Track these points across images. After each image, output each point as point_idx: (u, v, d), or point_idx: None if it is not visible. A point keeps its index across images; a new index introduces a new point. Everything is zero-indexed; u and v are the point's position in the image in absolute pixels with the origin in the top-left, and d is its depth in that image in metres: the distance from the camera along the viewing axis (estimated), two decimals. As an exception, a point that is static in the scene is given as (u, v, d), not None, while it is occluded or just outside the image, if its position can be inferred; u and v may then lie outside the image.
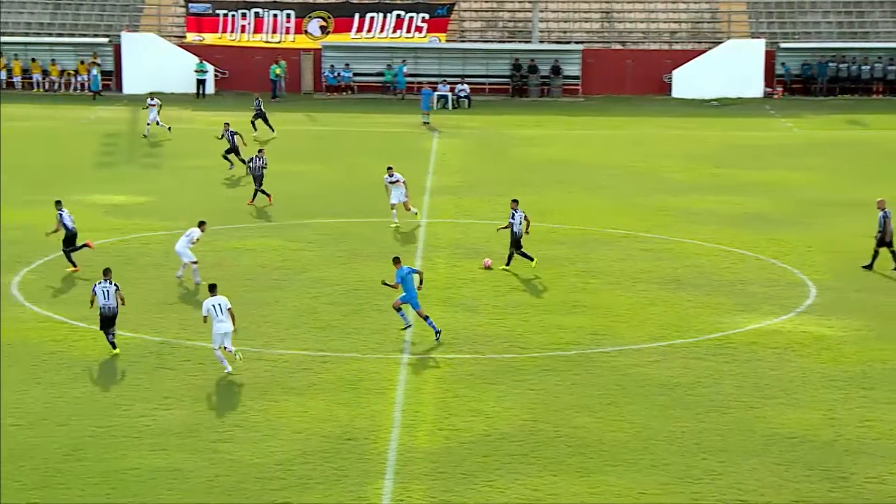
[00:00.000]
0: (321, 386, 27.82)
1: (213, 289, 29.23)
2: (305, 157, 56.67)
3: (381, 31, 78.87)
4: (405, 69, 76.43)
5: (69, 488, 22.55)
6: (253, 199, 46.05)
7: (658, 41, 79.88)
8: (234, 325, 28.61)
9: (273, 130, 62.15)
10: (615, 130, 66.01)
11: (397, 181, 42.51)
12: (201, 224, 35.99)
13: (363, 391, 27.53)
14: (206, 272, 35.86)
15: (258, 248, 39.84)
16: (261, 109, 62.42)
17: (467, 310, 33.59)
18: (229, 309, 28.50)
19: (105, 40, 78.46)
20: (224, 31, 78.85)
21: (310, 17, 78.91)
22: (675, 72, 77.07)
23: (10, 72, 77.63)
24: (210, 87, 76.66)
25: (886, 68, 77.13)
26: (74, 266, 36.48)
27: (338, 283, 36.01)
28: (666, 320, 33.01)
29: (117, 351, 29.68)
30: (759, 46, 77.03)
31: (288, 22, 78.89)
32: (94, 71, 75.79)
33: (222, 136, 53.50)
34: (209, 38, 78.54)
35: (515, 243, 37.39)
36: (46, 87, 77.36)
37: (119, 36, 78.01)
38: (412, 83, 76.33)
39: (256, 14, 78.79)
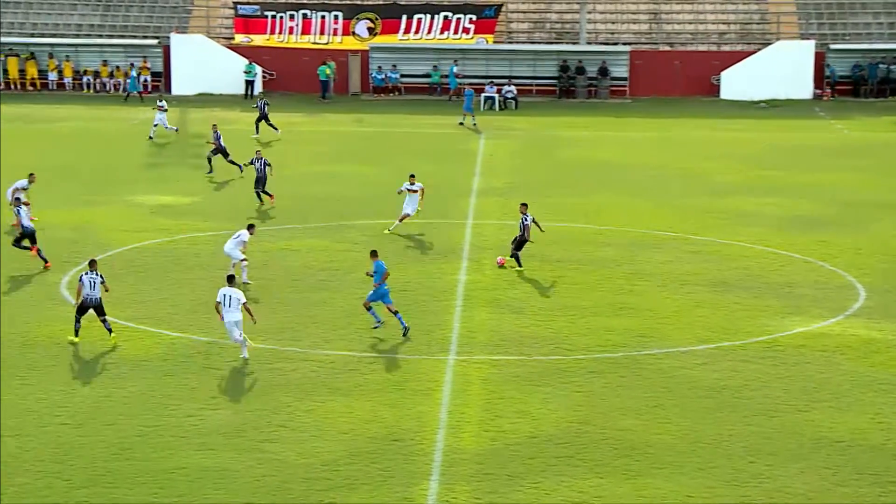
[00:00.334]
0: (367, 387, 27.85)
1: (230, 279, 29.94)
2: (352, 158, 56.79)
3: (429, 32, 78.93)
4: (456, 69, 76.39)
5: (117, 487, 22.68)
6: (261, 201, 46.04)
7: (706, 42, 79.52)
8: (253, 319, 29.26)
9: (277, 130, 61.89)
10: (663, 132, 65.76)
11: (416, 190, 41.97)
12: (250, 227, 36.06)
13: (409, 392, 27.55)
14: (253, 272, 36.01)
15: (305, 248, 39.95)
16: (264, 110, 62.08)
17: (513, 311, 33.55)
18: (244, 303, 29.15)
19: (154, 42, 78.95)
20: (272, 32, 79.14)
21: (357, 18, 79.08)
22: (723, 73, 76.71)
23: (60, 73, 78.22)
24: (258, 89, 76.95)
25: (938, 70, 76.57)
26: (46, 262, 36.85)
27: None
28: (713, 323, 32.85)
29: (114, 336, 30.41)
30: (808, 48, 76.55)
31: (336, 23, 79.10)
32: (134, 73, 76.23)
33: (211, 139, 52.88)
34: (257, 40, 78.86)
35: (518, 245, 37.26)
36: (97, 88, 77.89)
37: (168, 37, 78.47)
38: (459, 84, 76.27)
39: (304, 15, 79.03)
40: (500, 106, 73.53)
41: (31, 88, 77.71)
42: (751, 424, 25.91)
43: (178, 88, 77.16)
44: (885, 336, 31.70)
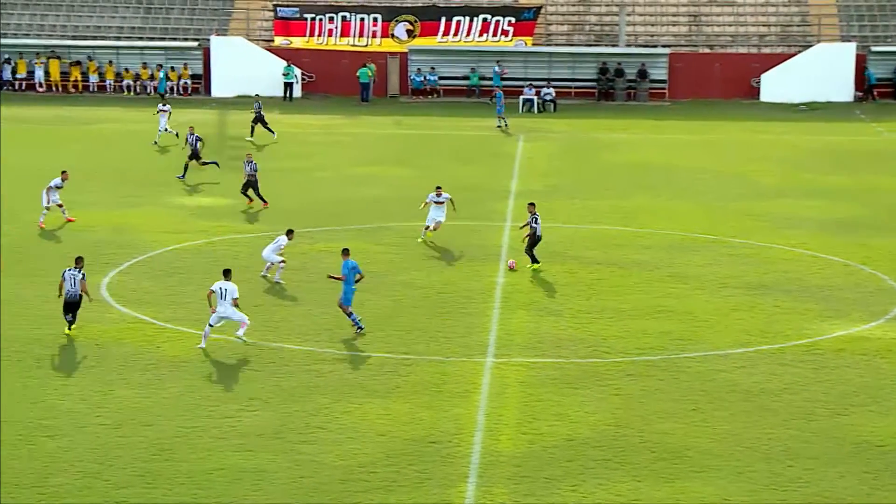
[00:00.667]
0: (405, 389, 27.88)
1: (226, 273, 30.72)
2: (391, 161, 56.85)
3: (468, 34, 78.93)
4: (499, 69, 76.30)
5: (156, 487, 22.78)
6: (251, 199, 46.05)
7: (746, 45, 79.18)
8: (237, 313, 30.17)
9: (273, 133, 61.65)
10: (702, 135, 65.53)
11: (443, 202, 40.83)
12: (289, 232, 36.12)
13: (447, 394, 27.55)
14: (291, 274, 36.11)
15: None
16: (260, 113, 61.86)
17: (551, 314, 33.51)
18: (235, 299, 30.06)
19: (194, 44, 79.30)
20: (311, 34, 79.34)
21: (396, 20, 79.18)
22: (763, 76, 76.36)
23: (101, 75, 78.68)
24: (297, 91, 77.19)
25: (980, 72, 75.96)
26: None
27: (422, 286, 36.06)
28: (752, 326, 32.71)
29: (72, 332, 30.95)
30: (849, 50, 76.08)
31: (375, 26, 79.21)
32: (163, 74, 76.62)
33: (186, 141, 52.54)
34: (297, 42, 79.07)
35: (532, 244, 37.27)
36: (137, 90, 78.30)
37: (208, 40, 78.79)
38: (488, 86, 76.21)
39: (343, 18, 79.19)
40: (538, 108, 73.45)
41: (73, 90, 78.19)
42: (790, 428, 25.78)
43: (217, 90, 77.47)
44: (926, 340, 31.48)
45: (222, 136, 64.18)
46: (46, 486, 22.73)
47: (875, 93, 76.11)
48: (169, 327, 31.89)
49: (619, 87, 77.31)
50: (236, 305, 30.15)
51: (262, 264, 36.61)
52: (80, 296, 31.15)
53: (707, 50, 79.07)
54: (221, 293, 30.21)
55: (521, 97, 73.73)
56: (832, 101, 75.21)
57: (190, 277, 36.60)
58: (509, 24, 78.54)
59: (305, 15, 79.19)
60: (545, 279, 36.90)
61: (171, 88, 77.97)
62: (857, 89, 76.23)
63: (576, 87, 77.80)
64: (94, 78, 78.68)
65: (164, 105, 61.13)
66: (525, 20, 78.68)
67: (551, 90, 74.57)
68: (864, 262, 39.11)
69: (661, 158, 58.05)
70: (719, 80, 76.73)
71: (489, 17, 78.69)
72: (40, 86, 78.49)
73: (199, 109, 72.06)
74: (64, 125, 65.26)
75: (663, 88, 77.29)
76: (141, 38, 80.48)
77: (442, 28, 78.89)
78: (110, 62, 78.46)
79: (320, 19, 79.22)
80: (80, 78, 78.61)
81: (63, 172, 43.48)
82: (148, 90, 78.01)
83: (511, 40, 78.55)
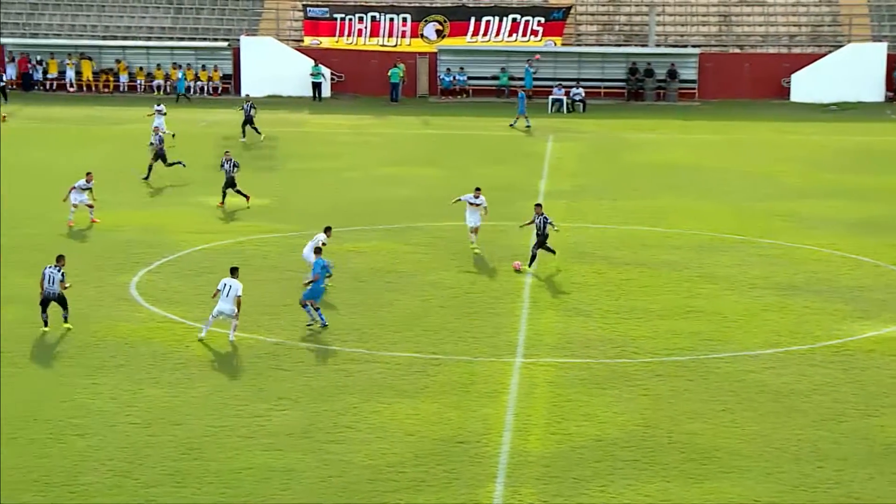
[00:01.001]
0: (433, 389, 27.89)
1: (233, 271, 31.11)
2: (420, 161, 56.90)
3: (497, 34, 78.94)
4: (532, 70, 76.24)
5: (185, 486, 22.85)
6: (222, 202, 46.05)
7: (777, 45, 78.91)
8: (237, 312, 30.44)
9: (260, 135, 61.38)
10: (732, 135, 65.34)
11: (479, 205, 39.68)
12: (327, 230, 36.01)
13: (475, 394, 27.54)
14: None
15: (371, 250, 40.07)
16: (249, 114, 61.55)
17: (580, 314, 33.47)
18: (238, 297, 30.35)
19: (224, 44, 79.54)
20: (341, 34, 79.48)
21: (426, 20, 79.24)
22: (793, 75, 76.10)
23: (132, 75, 79.02)
24: (326, 91, 77.34)
25: None
26: None
27: (450, 286, 36.07)
28: (781, 326, 32.59)
29: (47, 329, 31.25)
30: (880, 50, 75.75)
31: (404, 26, 79.31)
32: (181, 74, 76.83)
33: (151, 143, 52.13)
34: (326, 42, 79.23)
35: (540, 244, 37.30)
36: (167, 90, 78.59)
37: (238, 40, 79.03)
38: (518, 87, 76.18)
39: (373, 18, 79.29)
40: (567, 108, 73.37)
41: (103, 91, 78.52)
42: (819, 429, 25.67)
43: (247, 90, 77.67)
44: (958, 341, 31.30)
45: (252, 136, 64.29)
46: (77, 484, 22.83)
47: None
48: (198, 327, 31.96)
49: (648, 88, 77.18)
50: (238, 303, 30.37)
51: (293, 263, 36.67)
52: (60, 293, 31.39)
53: (737, 50, 78.85)
54: (225, 290, 30.58)
55: (551, 97, 73.69)
56: (863, 101, 74.90)
57: (219, 277, 36.46)
58: (539, 24, 78.50)
59: (335, 15, 79.33)
60: (574, 279, 36.85)
61: (202, 88, 78.22)
62: (888, 89, 75.88)
63: (605, 87, 77.70)
64: (124, 78, 79.00)
65: (158, 105, 60.48)
66: (555, 20, 78.63)
67: (581, 90, 74.49)
68: (895, 262, 38.91)
69: (690, 159, 57.90)
70: (749, 81, 76.53)
71: (518, 17, 78.68)
72: (71, 86, 78.88)
73: (229, 109, 72.25)
74: (94, 125, 65.55)
75: (693, 88, 77.12)
76: (171, 39, 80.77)
77: (471, 28, 78.91)
78: (141, 68, 78.70)
79: (350, 19, 79.34)
80: (111, 78, 78.96)
81: (88, 174, 43.59)
82: (180, 90, 78.23)
83: (540, 40, 78.50)
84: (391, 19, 79.35)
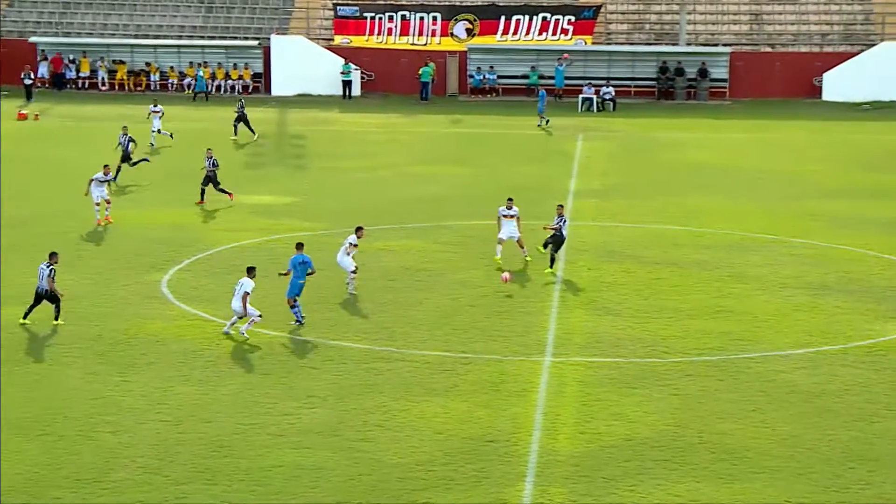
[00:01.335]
0: (463, 387, 27.86)
1: (249, 271, 31.26)
2: (449, 159, 56.89)
3: (527, 33, 78.87)
4: (563, 68, 76.09)
5: (215, 484, 22.90)
6: (202, 199, 45.95)
7: (808, 43, 78.56)
8: (244, 309, 30.70)
9: (254, 134, 60.99)
10: (763, 134, 65.09)
11: (513, 216, 38.15)
12: (358, 230, 35.62)
13: (504, 393, 27.51)
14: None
15: (400, 249, 40.08)
16: (243, 112, 61.29)
17: (610, 313, 33.39)
18: (245, 293, 30.65)
19: (255, 43, 79.72)
20: (371, 33, 79.55)
21: (456, 19, 79.23)
22: (825, 74, 75.74)
23: (163, 74, 79.27)
24: (356, 89, 77.42)
25: None
26: None
27: (480, 285, 36.04)
28: (813, 326, 32.43)
29: (26, 322, 31.59)
30: (914, 48, 75.33)
31: (434, 24, 79.31)
32: (200, 72, 76.91)
33: (118, 142, 51.41)
34: (356, 41, 79.30)
35: (557, 244, 37.13)
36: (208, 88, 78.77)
37: (269, 39, 79.18)
38: (549, 85, 76.06)
39: (403, 17, 79.34)
40: (597, 107, 73.24)
41: (137, 89, 78.80)
42: (851, 430, 25.53)
43: (277, 89, 77.87)
44: None
45: (282, 134, 64.51)
46: (107, 481, 22.91)
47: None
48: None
49: (679, 86, 76.96)
50: (244, 301, 30.62)
51: (322, 262, 36.68)
52: (51, 291, 31.53)
53: (768, 49, 78.53)
54: (236, 288, 30.96)
55: (581, 96, 73.57)
56: (896, 100, 74.51)
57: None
58: (569, 22, 78.38)
59: (365, 14, 79.41)
60: (603, 278, 36.77)
61: (232, 87, 78.40)
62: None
63: (635, 86, 77.52)
64: (155, 77, 79.29)
65: (155, 106, 60.01)
66: (585, 19, 78.50)
67: (611, 89, 74.34)
68: (928, 262, 38.73)
69: (721, 158, 57.71)
70: (781, 79, 76.21)
71: (549, 15, 78.57)
72: (103, 84, 79.22)
73: (259, 108, 72.45)
74: (125, 123, 65.70)
75: (724, 87, 76.86)
76: (202, 38, 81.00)
77: (501, 27, 78.87)
78: (172, 67, 78.92)
79: (380, 18, 79.40)
80: (143, 77, 79.26)
81: (105, 166, 43.62)
82: (209, 88, 78.41)
83: (571, 39, 78.38)
84: (421, 18, 79.36)
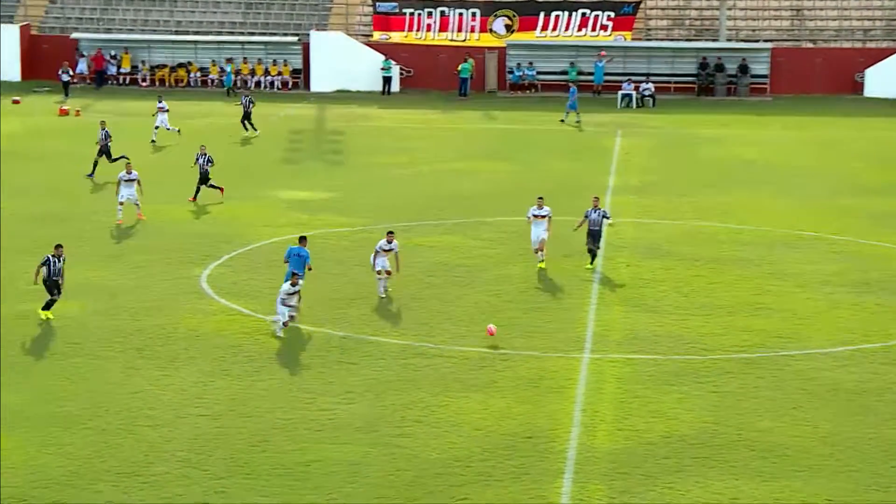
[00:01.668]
0: (501, 383, 27.85)
1: (291, 276, 31.31)
2: (488, 155, 56.84)
3: (567, 29, 78.66)
4: (603, 65, 75.85)
5: (254, 478, 22.99)
6: (195, 197, 45.68)
7: (851, 39, 78.04)
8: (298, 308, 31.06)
9: (256, 131, 60.66)
10: (804, 131, 64.72)
11: (544, 216, 37.14)
12: (388, 234, 34.85)
13: (543, 390, 27.49)
14: (389, 268, 36.20)
15: (439, 245, 40.08)
16: (248, 109, 60.91)
17: (649, 310, 33.29)
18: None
19: (294, 39, 79.88)
20: (410, 29, 79.54)
21: (495, 15, 79.11)
22: (867, 70, 75.19)
23: (203, 70, 79.51)
24: (395, 85, 77.46)
25: None
26: None
27: (520, 281, 36.00)
28: (854, 324, 32.23)
29: (50, 315, 31.77)
30: (958, 43, 74.67)
31: (473, 20, 79.22)
32: (228, 68, 76.96)
33: (98, 139, 50.93)
34: (395, 37, 79.30)
35: (595, 239, 36.96)
36: (238, 84, 79.05)
37: (308, 35, 79.32)
38: (588, 82, 75.86)
39: (442, 13, 79.28)
40: (637, 103, 73.01)
41: (178, 85, 79.09)
42: (893, 428, 25.38)
43: (316, 85, 77.97)
44: None
45: (321, 130, 64.63)
46: (148, 474, 23.04)
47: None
48: (267, 319, 32.12)
49: (719, 83, 76.56)
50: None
51: (361, 257, 36.75)
52: (58, 281, 31.82)
53: (810, 44, 78.03)
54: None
55: (620, 92, 73.33)
56: (940, 96, 73.90)
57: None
58: (608, 18, 78.12)
59: (404, 10, 79.41)
60: (642, 275, 36.66)
61: (272, 83, 78.59)
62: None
63: (675, 83, 77.17)
64: (195, 73, 79.60)
65: (160, 102, 59.57)
66: (624, 15, 78.22)
67: (650, 85, 74.06)
68: (970, 260, 38.42)
69: (761, 154, 57.42)
70: (822, 75, 75.70)
71: (588, 11, 78.35)
72: (143, 80, 79.57)
73: (298, 104, 72.61)
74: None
75: (765, 83, 76.42)
76: (242, 34, 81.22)
77: (540, 23, 78.68)
78: (213, 62, 79.20)
79: (419, 14, 79.39)
80: (183, 73, 79.56)
81: (127, 164, 43.44)
82: (249, 84, 78.63)
83: (610, 35, 78.12)
84: (460, 14, 79.30)
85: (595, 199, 38.03)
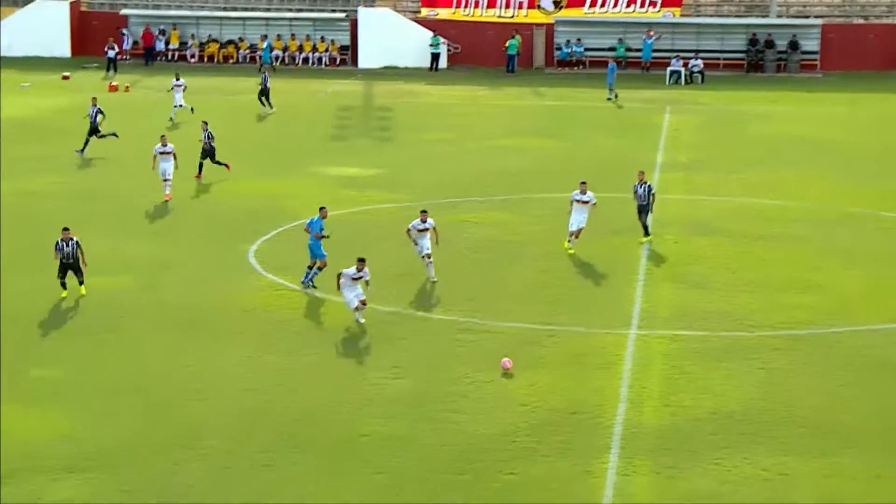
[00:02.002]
0: (548, 360, 27.84)
1: (359, 261, 30.00)
2: (535, 132, 56.71)
3: (615, 5, 78.24)
4: (651, 42, 75.40)
5: (302, 452, 23.10)
6: (199, 173, 45.41)
7: (902, 15, 77.21)
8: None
9: (272, 108, 60.33)
10: (855, 107, 64.16)
11: (587, 202, 36.08)
12: (422, 212, 34.19)
13: (589, 366, 27.45)
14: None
15: (485, 221, 40.05)
16: (266, 85, 60.61)
17: (696, 287, 33.16)
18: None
19: (342, 15, 79.88)
20: (458, 6, 79.34)
21: (543, -9, 78.77)
22: (920, 46, 74.45)
23: (252, 47, 79.66)
24: (443, 62, 77.37)
25: None
26: None
27: (566, 257, 35.92)
28: (904, 302, 31.99)
29: (64, 293, 31.73)
30: None
31: (521, -3, 78.92)
32: (266, 44, 76.93)
33: (88, 114, 50.65)
34: (443, 13, 79.14)
35: (645, 212, 36.93)
36: (285, 61, 79.15)
37: (356, 11, 79.30)
38: (636, 58, 75.47)
39: (490, -11, 79.02)
40: (685, 80, 72.60)
41: (228, 62, 79.26)
42: (943, 406, 25.20)
43: (364, 62, 77.99)
44: None
45: (368, 107, 64.66)
46: (197, 447, 23.20)
47: None
48: (315, 295, 32.25)
49: (769, 59, 75.97)
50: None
51: (402, 235, 36.83)
52: (78, 261, 31.75)
53: (861, 20, 77.28)
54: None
55: (669, 69, 72.91)
56: None
57: (334, 246, 36.89)
58: (657, -6, 77.62)
59: (452, -14, 79.18)
60: (690, 252, 36.51)
61: (319, 59, 78.67)
62: None
63: (724, 59, 76.64)
64: (244, 50, 79.78)
65: (177, 80, 59.26)
66: (673, -9, 77.68)
67: (699, 62, 73.59)
68: None
69: (811, 131, 56.99)
70: (874, 52, 74.97)
71: (636, -13, 77.87)
72: (192, 56, 79.84)
73: (346, 80, 72.66)
74: (213, 95, 66.26)
75: (815, 60, 75.77)
76: (290, 10, 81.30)
77: (589, -1, 78.30)
78: (264, 37, 79.33)
79: (467, -10, 79.13)
80: (231, 50, 79.75)
81: (162, 136, 43.28)
82: (297, 61, 78.68)
83: (659, 11, 77.65)
84: (508, -10, 78.99)
85: (640, 173, 37.88)
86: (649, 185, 37.31)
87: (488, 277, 33.96)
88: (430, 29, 77.50)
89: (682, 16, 77.80)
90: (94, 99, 51.77)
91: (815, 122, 59.61)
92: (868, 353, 28.19)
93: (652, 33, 75.43)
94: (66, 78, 71.36)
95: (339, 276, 30.06)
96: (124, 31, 79.68)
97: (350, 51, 79.19)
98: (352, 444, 23.39)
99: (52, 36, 79.24)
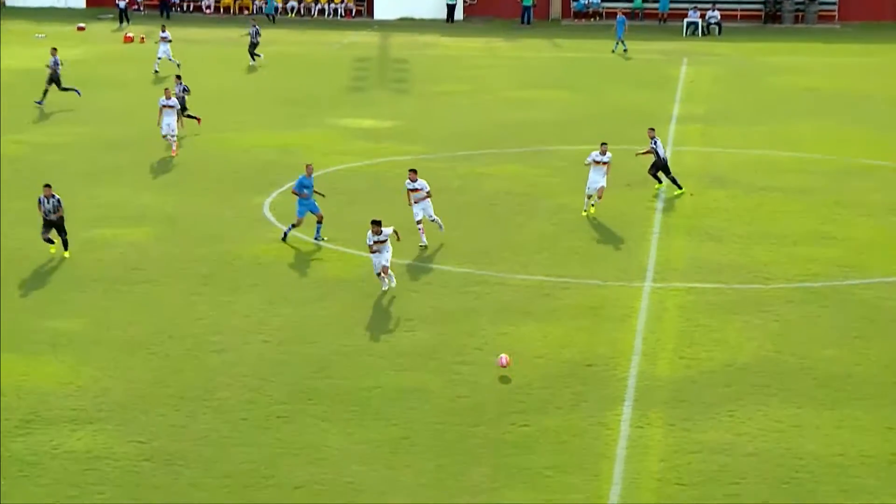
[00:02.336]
0: (562, 312, 27.87)
1: (373, 224, 28.69)
2: (551, 84, 56.53)
3: (633, -44, 77.72)
4: None
5: (316, 404, 23.19)
6: (181, 125, 44.96)
7: (921, -35, 76.60)
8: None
9: (259, 58, 59.72)
10: (873, 58, 63.79)
11: (606, 162, 35.06)
12: (410, 171, 33.01)
13: (603, 318, 27.48)
14: (450, 196, 36.19)
15: (501, 174, 40.01)
16: (255, 39, 60.20)
17: (712, 239, 33.12)
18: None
19: (358, -33, 79.56)
20: (474, -43, 78.92)
21: (559, -58, 78.31)
22: (938, -3, 73.93)
23: (268, 1, 79.46)
24: (459, 13, 77.08)
25: None
26: None
27: (581, 209, 35.85)
28: (920, 254, 31.91)
29: (52, 249, 31.45)
30: None
31: (538, -53, 78.48)
32: None
33: (47, 65, 50.01)
34: (459, -35, 78.75)
35: (662, 169, 36.92)
36: (301, 13, 78.97)
37: (371, -38, 79.00)
38: (653, 9, 75.08)
39: (506, -61, 78.57)
40: (703, 31, 72.22)
41: (242, 13, 79.10)
42: (957, 358, 25.18)
43: (380, 13, 77.79)
44: None
45: (384, 58, 64.51)
46: (212, 399, 23.31)
47: None
48: (330, 247, 32.31)
49: (786, 10, 75.57)
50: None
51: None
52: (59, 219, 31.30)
53: (880, -30, 76.71)
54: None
55: (686, 20, 72.58)
56: None
57: (351, 198, 36.96)
58: (675, -55, 77.14)
59: (468, -63, 78.74)
60: (706, 204, 36.43)
61: (335, 10, 78.41)
62: None
63: (742, 10, 76.28)
64: (259, 2, 79.56)
65: (164, 31, 58.77)
66: (691, -59, 77.16)
67: (716, 13, 73.22)
68: None
69: (828, 83, 56.71)
70: (890, 2, 74.50)
71: (654, -63, 77.36)
72: (207, 8, 79.66)
73: (362, 32, 72.47)
74: (229, 47, 66.17)
75: (833, 11, 75.33)
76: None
77: (606, -51, 77.84)
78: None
79: (483, -59, 78.69)
80: (248, 2, 79.51)
81: (166, 89, 42.90)
82: (312, 13, 78.47)
83: (676, -38, 77.16)
84: (525, -59, 78.55)
85: (650, 130, 37.73)
86: (656, 140, 37.08)
87: (503, 230, 33.96)
88: (447, -20, 77.15)
89: (699, -34, 77.30)
90: (54, 49, 51.12)
91: (832, 73, 59.31)
92: (882, 305, 28.16)
93: None
94: (81, 29, 71.30)
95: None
96: None
97: (366, 2, 78.95)
98: (366, 396, 23.48)
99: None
